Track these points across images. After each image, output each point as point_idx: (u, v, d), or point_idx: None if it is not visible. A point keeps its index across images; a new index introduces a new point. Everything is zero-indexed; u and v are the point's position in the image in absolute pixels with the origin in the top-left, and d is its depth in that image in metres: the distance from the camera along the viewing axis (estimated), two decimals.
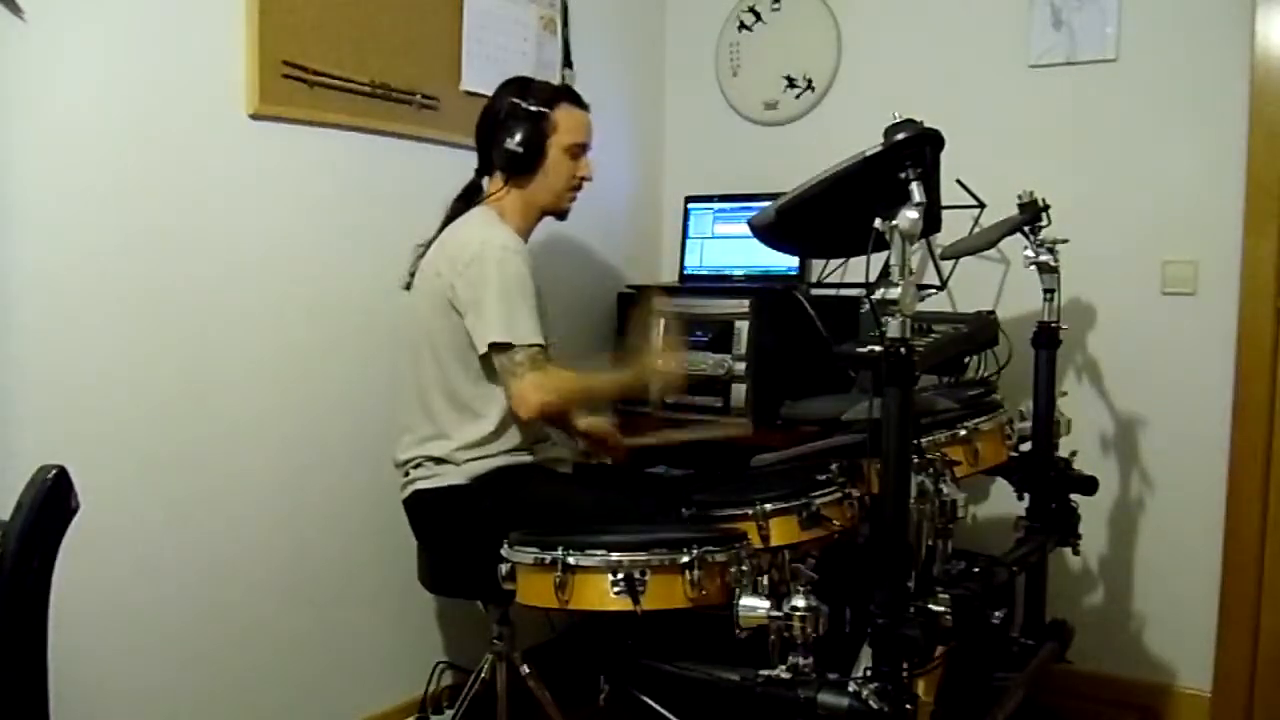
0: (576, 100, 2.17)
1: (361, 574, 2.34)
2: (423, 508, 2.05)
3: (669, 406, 2.70)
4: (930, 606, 1.59)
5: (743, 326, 2.61)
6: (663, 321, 2.16)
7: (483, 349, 1.95)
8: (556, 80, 2.66)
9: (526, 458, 2.06)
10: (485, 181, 2.17)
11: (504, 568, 1.72)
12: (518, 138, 2.07)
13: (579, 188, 2.18)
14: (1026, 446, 2.29)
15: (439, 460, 2.02)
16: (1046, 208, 2.32)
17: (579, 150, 2.15)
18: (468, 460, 2.01)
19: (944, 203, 1.75)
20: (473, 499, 1.99)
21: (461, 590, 2.16)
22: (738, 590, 1.62)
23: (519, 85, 2.14)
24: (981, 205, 2.35)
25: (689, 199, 3.08)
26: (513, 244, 2.01)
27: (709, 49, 3.17)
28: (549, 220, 2.21)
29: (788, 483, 1.93)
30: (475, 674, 2.13)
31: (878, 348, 1.49)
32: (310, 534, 2.23)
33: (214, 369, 2.03)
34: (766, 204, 1.70)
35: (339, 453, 2.28)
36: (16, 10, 1.68)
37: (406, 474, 2.07)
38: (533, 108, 2.08)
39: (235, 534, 2.08)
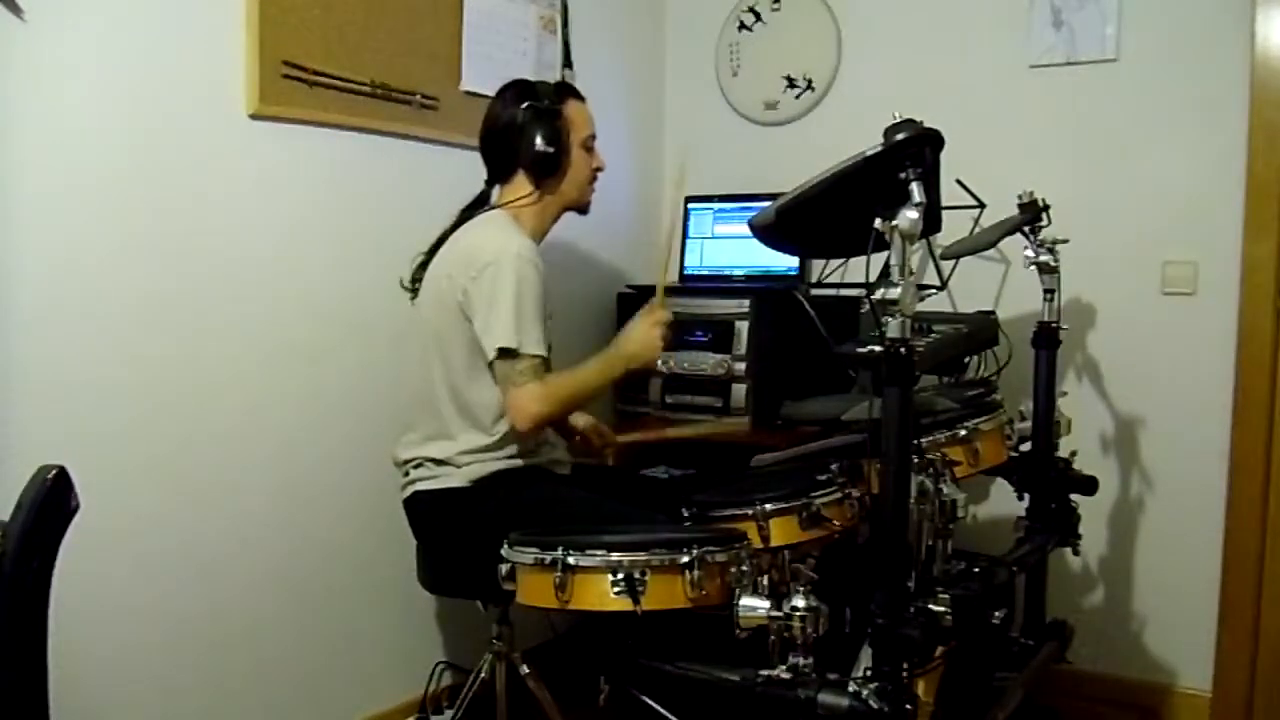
0: (578, 94, 2.20)
1: (361, 574, 2.34)
2: (422, 508, 2.05)
3: (669, 406, 2.71)
4: (930, 606, 1.59)
5: (743, 326, 2.61)
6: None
7: (491, 354, 1.94)
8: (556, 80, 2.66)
9: (527, 460, 2.06)
10: (495, 190, 2.16)
11: (504, 568, 1.71)
12: (543, 140, 2.07)
13: (595, 179, 2.21)
14: (1026, 446, 2.29)
15: (440, 462, 2.02)
16: (1046, 208, 2.32)
17: (591, 142, 2.18)
18: (469, 464, 2.01)
19: (944, 203, 1.75)
20: (473, 500, 1.99)
21: (461, 590, 2.16)
22: (738, 590, 1.62)
23: (524, 89, 2.13)
24: (981, 205, 2.35)
25: (689, 199, 3.08)
26: (528, 251, 2.00)
27: (709, 49, 3.17)
28: None
29: (788, 483, 1.93)
30: (475, 674, 2.13)
31: (878, 348, 1.49)
32: (310, 534, 2.23)
33: (214, 368, 2.03)
34: (766, 204, 1.70)
35: (339, 452, 2.28)
36: (16, 10, 1.68)
37: (406, 474, 2.07)
38: (549, 108, 2.09)
39: (235, 534, 2.08)
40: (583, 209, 2.23)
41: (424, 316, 2.08)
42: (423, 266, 2.12)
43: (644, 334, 2.08)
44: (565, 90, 2.17)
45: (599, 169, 2.21)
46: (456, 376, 2.01)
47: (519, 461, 2.05)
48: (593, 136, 2.18)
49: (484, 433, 2.01)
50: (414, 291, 2.14)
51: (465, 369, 2.00)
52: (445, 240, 2.11)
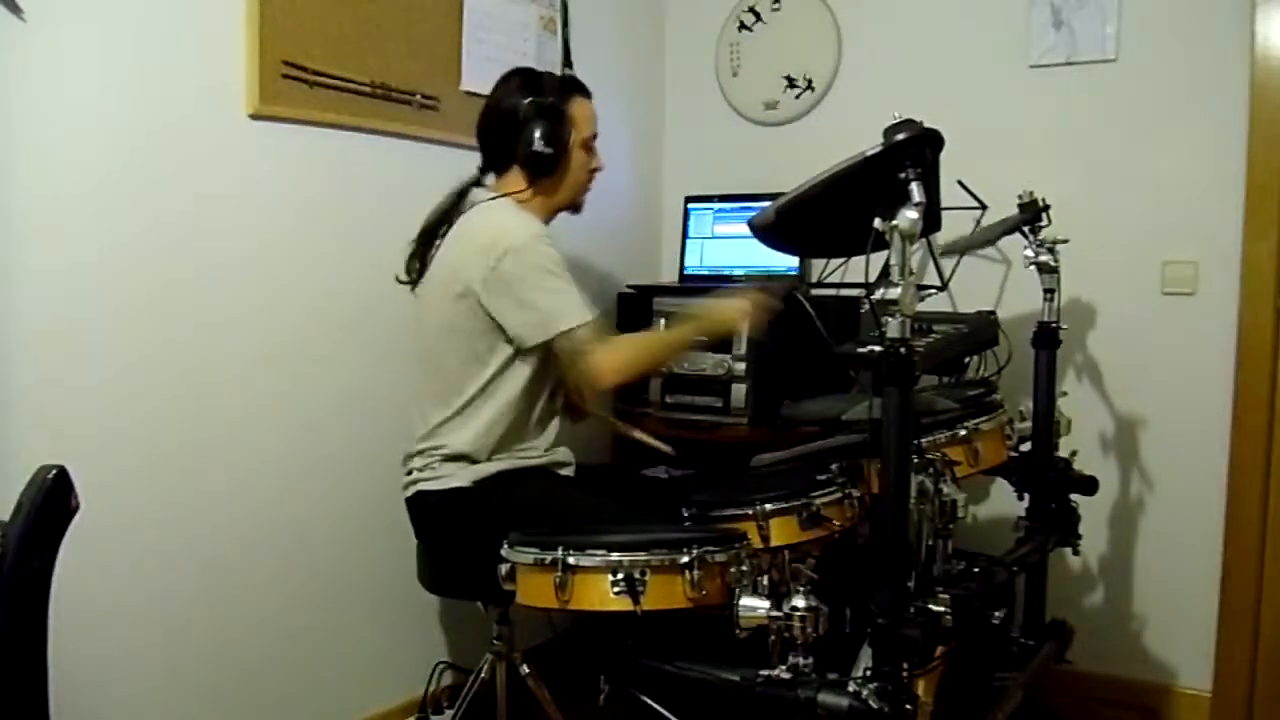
0: (583, 90, 2.15)
1: (362, 574, 2.34)
2: (425, 508, 2.04)
3: (668, 406, 2.71)
4: (930, 606, 1.59)
5: (743, 326, 2.61)
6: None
7: (544, 337, 1.92)
8: None
9: (530, 461, 2.06)
10: (490, 179, 2.12)
11: (504, 568, 1.71)
12: (543, 138, 2.02)
13: (592, 179, 2.17)
14: (1026, 446, 2.29)
15: (443, 459, 2.01)
16: (1046, 208, 2.32)
17: (593, 141, 2.13)
18: (471, 463, 2.00)
19: (944, 203, 1.76)
20: (475, 501, 1.99)
21: (461, 590, 2.16)
22: (738, 590, 1.62)
23: (529, 79, 2.08)
24: (983, 207, 2.35)
25: (689, 199, 3.08)
26: (540, 229, 1.99)
27: (709, 49, 3.17)
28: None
29: (788, 483, 1.93)
30: (475, 674, 2.13)
31: (878, 348, 1.49)
32: (310, 534, 2.23)
33: (214, 369, 2.03)
34: (766, 204, 1.70)
35: (339, 453, 2.28)
36: (16, 10, 1.68)
37: (410, 472, 2.07)
38: (552, 105, 2.04)
39: (235, 534, 2.08)
40: (576, 209, 2.19)
41: (427, 309, 2.05)
42: (414, 256, 2.08)
43: (731, 300, 2.10)
44: (571, 86, 2.12)
45: (597, 169, 2.16)
46: (469, 368, 1.98)
47: (523, 461, 2.04)
48: (594, 136, 2.14)
49: (478, 427, 1.99)
50: (413, 283, 2.10)
51: (478, 360, 1.97)
52: (437, 228, 2.06)
